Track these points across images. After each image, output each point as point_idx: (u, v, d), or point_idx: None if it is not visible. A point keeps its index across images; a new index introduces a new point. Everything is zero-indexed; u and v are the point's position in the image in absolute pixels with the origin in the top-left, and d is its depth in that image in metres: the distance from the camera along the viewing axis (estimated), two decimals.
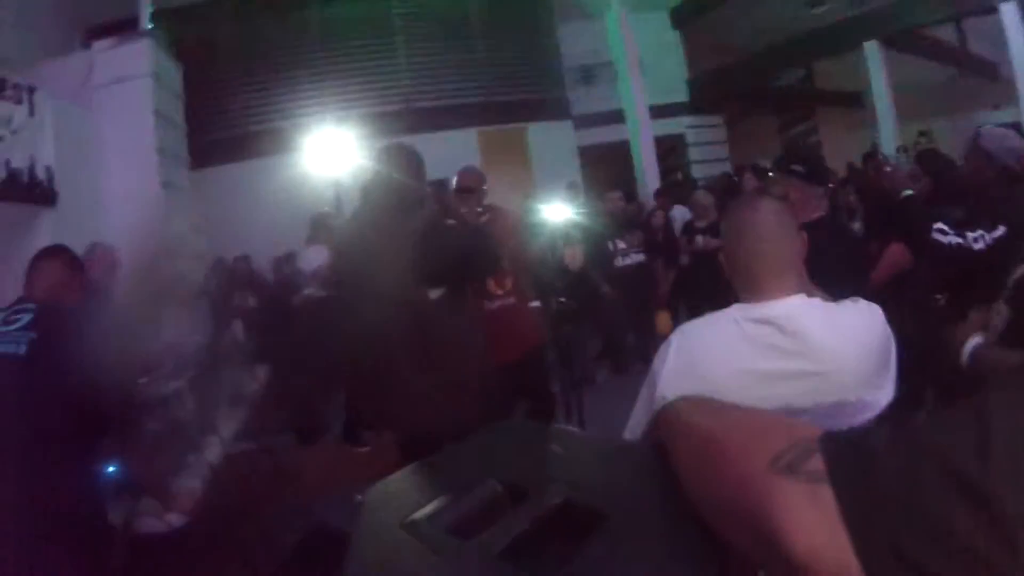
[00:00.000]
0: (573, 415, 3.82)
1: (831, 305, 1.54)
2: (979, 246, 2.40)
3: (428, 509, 0.87)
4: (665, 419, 0.93)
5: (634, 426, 1.55)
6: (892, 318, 1.58)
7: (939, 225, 2.50)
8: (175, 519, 2.20)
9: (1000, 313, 1.67)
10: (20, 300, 2.17)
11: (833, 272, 2.51)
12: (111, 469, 2.30)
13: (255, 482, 3.27)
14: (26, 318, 2.05)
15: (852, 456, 0.55)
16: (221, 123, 9.76)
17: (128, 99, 6.78)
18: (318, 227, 5.58)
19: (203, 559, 2.21)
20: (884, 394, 1.48)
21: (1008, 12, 8.67)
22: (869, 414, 1.44)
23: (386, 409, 2.67)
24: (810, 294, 1.53)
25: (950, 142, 14.62)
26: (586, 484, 0.91)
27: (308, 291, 5.08)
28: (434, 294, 2.54)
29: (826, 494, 0.54)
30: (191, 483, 2.39)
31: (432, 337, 2.49)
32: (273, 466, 3.65)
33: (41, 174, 5.40)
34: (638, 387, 1.59)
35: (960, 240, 2.46)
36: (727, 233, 1.63)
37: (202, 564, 2.20)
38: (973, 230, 2.45)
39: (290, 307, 5.61)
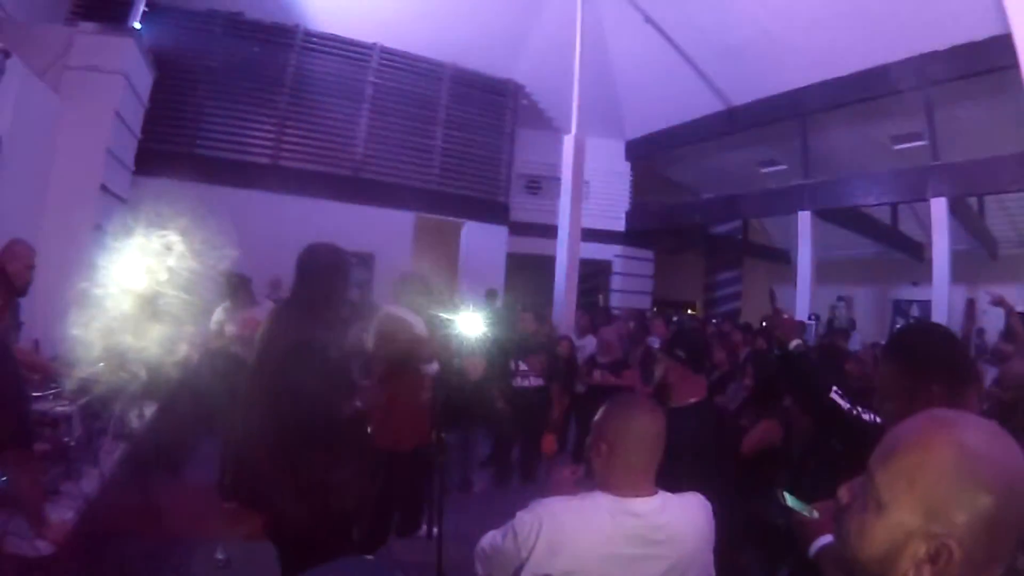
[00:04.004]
0: (434, 522, 3.98)
1: (677, 498, 1.77)
2: (868, 419, 2.27)
3: None
4: None
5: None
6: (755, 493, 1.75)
7: (836, 388, 2.39)
8: (43, 547, 2.24)
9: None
10: None
11: (704, 452, 2.67)
12: None
13: (125, 518, 3.29)
14: None
15: None
16: (172, 137, 9.68)
17: (95, 91, 6.79)
18: (231, 289, 5.47)
19: None
20: None
21: (938, 205, 9.69)
22: None
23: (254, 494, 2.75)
24: None
25: (867, 310, 15.82)
26: None
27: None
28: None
29: None
30: (64, 514, 2.43)
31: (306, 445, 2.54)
32: (144, 504, 3.66)
33: None
34: (516, 501, 1.77)
35: (854, 410, 2.33)
36: (612, 429, 1.74)
37: None
38: (865, 410, 2.31)
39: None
